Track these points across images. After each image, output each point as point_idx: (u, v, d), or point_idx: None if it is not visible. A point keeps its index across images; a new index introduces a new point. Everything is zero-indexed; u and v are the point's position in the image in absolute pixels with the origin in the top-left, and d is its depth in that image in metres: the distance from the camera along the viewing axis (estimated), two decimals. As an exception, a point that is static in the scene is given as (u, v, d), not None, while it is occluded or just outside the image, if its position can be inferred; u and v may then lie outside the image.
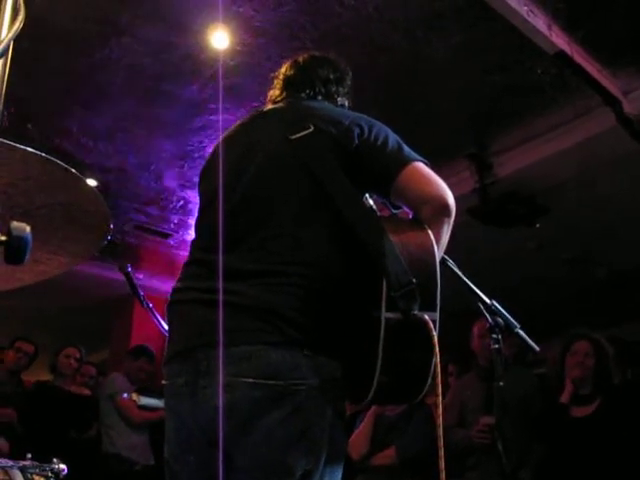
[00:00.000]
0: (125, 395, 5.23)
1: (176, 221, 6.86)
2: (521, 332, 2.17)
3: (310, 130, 1.74)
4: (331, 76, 2.06)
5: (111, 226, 1.19)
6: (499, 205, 5.54)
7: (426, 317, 1.55)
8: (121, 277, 3.43)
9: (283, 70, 2.10)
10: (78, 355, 5.80)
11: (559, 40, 4.04)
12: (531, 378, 4.42)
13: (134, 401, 5.19)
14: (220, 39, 4.19)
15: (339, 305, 1.60)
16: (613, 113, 4.57)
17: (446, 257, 1.95)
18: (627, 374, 4.88)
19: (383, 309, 1.53)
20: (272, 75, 2.13)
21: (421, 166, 1.75)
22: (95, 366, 6.53)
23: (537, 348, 2.19)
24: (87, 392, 5.91)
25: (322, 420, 1.54)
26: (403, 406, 4.10)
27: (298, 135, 1.74)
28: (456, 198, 1.75)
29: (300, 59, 2.10)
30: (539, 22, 3.87)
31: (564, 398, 3.97)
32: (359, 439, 4.12)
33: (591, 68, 4.34)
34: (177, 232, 7.09)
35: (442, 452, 1.52)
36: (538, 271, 7.26)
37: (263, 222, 1.68)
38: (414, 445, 3.91)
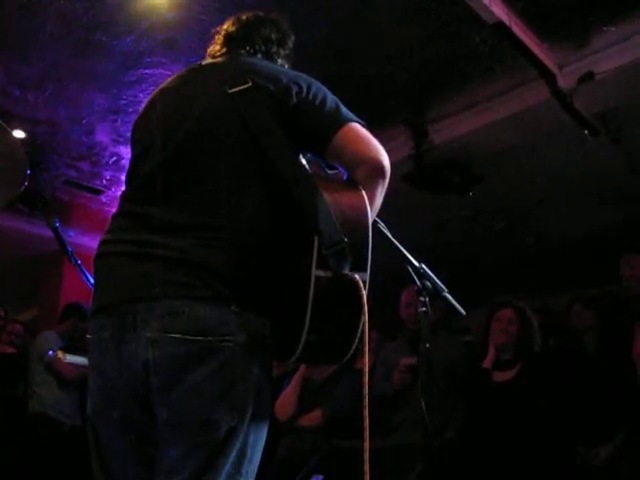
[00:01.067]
0: (50, 352, 5.14)
1: (108, 177, 6.67)
2: (448, 296, 2.20)
3: (248, 85, 1.72)
4: (273, 36, 2.05)
5: (28, 172, 1.14)
6: (434, 172, 5.58)
7: (357, 277, 1.55)
8: (51, 233, 3.35)
9: (225, 26, 2.07)
10: (2, 313, 5.66)
11: (498, 10, 4.04)
12: (458, 345, 4.53)
13: (59, 358, 5.11)
14: (156, -10, 4.06)
15: (269, 261, 1.59)
16: (547, 86, 4.63)
17: (377, 219, 1.96)
18: (549, 342, 5.04)
19: (314, 266, 1.52)
20: (213, 31, 2.10)
21: (358, 127, 1.75)
22: (23, 324, 6.39)
23: (463, 312, 2.22)
24: (11, 350, 5.78)
25: (248, 377, 1.53)
26: (331, 369, 4.15)
27: (236, 89, 1.72)
28: (392, 163, 1.76)
29: (243, 17, 2.08)
30: (479, -10, 3.87)
31: (486, 363, 4.10)
32: (286, 401, 4.15)
33: (528, 41, 4.36)
34: (109, 189, 6.90)
35: (367, 412, 1.54)
36: (470, 239, 7.39)
37: (197, 175, 1.66)
38: (340, 407, 3.96)
